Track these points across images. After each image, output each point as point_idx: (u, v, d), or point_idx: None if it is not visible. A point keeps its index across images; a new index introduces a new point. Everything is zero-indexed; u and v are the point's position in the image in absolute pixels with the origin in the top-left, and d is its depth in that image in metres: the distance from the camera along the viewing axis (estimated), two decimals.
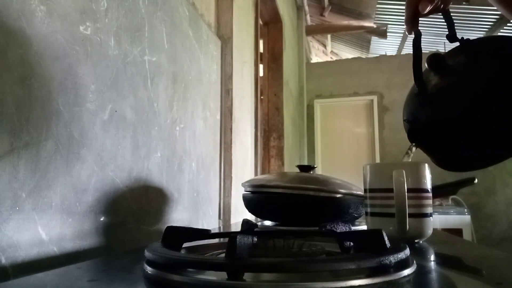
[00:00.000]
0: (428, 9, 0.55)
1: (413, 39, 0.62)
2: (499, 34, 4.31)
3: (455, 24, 0.61)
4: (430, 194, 0.62)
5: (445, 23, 0.62)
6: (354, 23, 4.44)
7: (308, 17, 4.53)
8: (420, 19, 0.62)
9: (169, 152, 0.81)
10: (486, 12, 3.86)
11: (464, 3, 3.58)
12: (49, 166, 0.49)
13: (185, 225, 0.70)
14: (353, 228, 0.60)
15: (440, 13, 0.61)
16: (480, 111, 0.53)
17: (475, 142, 0.55)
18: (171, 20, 0.84)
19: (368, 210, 0.65)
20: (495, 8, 0.64)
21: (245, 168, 1.45)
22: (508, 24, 4.07)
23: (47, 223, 0.48)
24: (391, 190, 0.58)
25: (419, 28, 0.62)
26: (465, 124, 0.54)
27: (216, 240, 0.52)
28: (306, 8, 4.28)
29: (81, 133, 0.55)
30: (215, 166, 1.11)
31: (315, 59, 6.02)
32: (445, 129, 0.57)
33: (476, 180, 0.91)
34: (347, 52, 5.85)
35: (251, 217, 0.99)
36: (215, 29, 1.23)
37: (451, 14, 0.63)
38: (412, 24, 0.61)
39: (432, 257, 0.53)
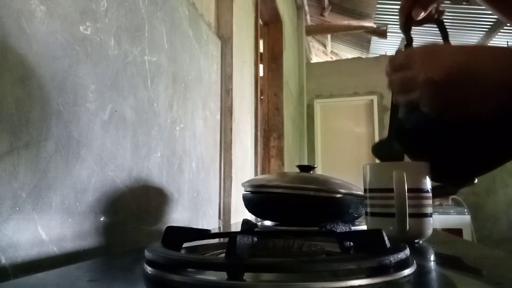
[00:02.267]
0: (421, 15, 0.54)
1: (405, 46, 0.62)
2: (499, 34, 4.31)
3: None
4: (430, 194, 0.62)
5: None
6: (354, 23, 4.44)
7: (308, 17, 4.53)
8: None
9: (169, 152, 0.81)
10: (486, 12, 3.86)
11: (464, 3, 3.58)
12: (49, 166, 0.49)
13: (185, 225, 0.70)
14: (353, 228, 0.60)
15: (434, 24, 0.60)
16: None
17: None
18: (171, 20, 0.84)
19: (368, 210, 0.65)
20: None
21: (245, 168, 1.45)
22: (507, 25, 4.07)
23: (47, 223, 0.48)
24: (391, 190, 0.58)
25: (416, 29, 0.62)
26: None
27: (216, 240, 0.52)
28: (306, 8, 4.28)
29: (81, 133, 0.55)
30: (215, 166, 1.11)
31: (315, 59, 6.02)
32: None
33: (476, 180, 0.91)
34: (347, 52, 5.84)
35: (251, 217, 0.99)
36: (215, 29, 1.23)
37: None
38: (405, 30, 0.60)
39: (432, 257, 0.53)
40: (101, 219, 0.59)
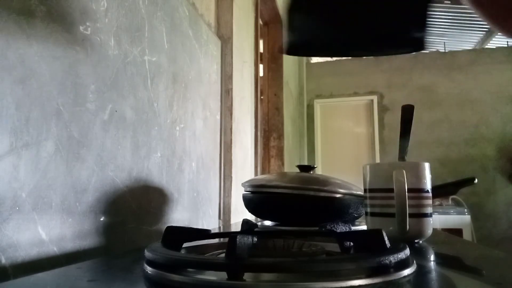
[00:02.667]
0: None
1: None
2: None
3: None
4: (430, 194, 0.63)
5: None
6: None
7: None
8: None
9: (169, 152, 0.81)
10: None
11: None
12: (49, 166, 0.49)
13: (185, 225, 0.70)
14: (353, 228, 0.60)
15: None
16: None
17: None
18: (171, 20, 0.84)
19: (368, 210, 0.65)
20: None
21: (245, 168, 1.45)
22: None
23: (47, 223, 0.48)
24: (391, 190, 0.58)
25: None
26: None
27: (216, 240, 0.52)
28: None
29: (81, 133, 0.55)
30: (215, 166, 1.11)
31: (315, 59, 6.02)
32: None
33: (476, 180, 0.91)
34: None
35: (251, 217, 0.99)
36: (215, 29, 1.22)
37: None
38: None
39: (432, 257, 0.53)
40: (101, 219, 0.59)
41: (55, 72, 0.51)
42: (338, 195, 0.79)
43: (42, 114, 0.48)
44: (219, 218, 1.13)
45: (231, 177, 1.18)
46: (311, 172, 0.92)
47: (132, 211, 0.67)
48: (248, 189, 0.87)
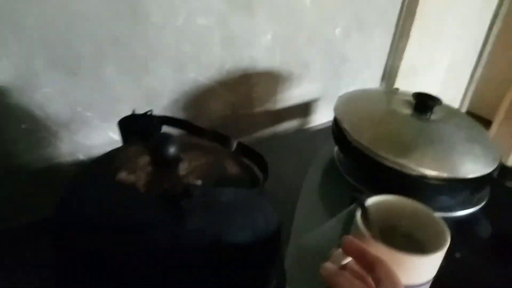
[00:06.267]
0: None
1: None
2: None
3: None
4: None
5: None
6: None
7: None
8: None
9: (289, 30, 0.72)
10: None
11: None
12: (115, 83, 0.56)
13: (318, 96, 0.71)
14: None
15: None
16: None
17: None
18: None
19: None
20: None
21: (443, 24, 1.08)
22: None
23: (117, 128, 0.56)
24: None
25: None
26: None
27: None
28: None
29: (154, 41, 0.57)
30: (385, 22, 0.90)
31: None
32: None
33: None
34: None
35: None
36: None
37: None
38: None
39: None
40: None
41: None
42: None
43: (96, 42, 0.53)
44: (382, 80, 0.99)
45: (409, 35, 0.94)
46: None
47: (228, 102, 0.71)
48: None
